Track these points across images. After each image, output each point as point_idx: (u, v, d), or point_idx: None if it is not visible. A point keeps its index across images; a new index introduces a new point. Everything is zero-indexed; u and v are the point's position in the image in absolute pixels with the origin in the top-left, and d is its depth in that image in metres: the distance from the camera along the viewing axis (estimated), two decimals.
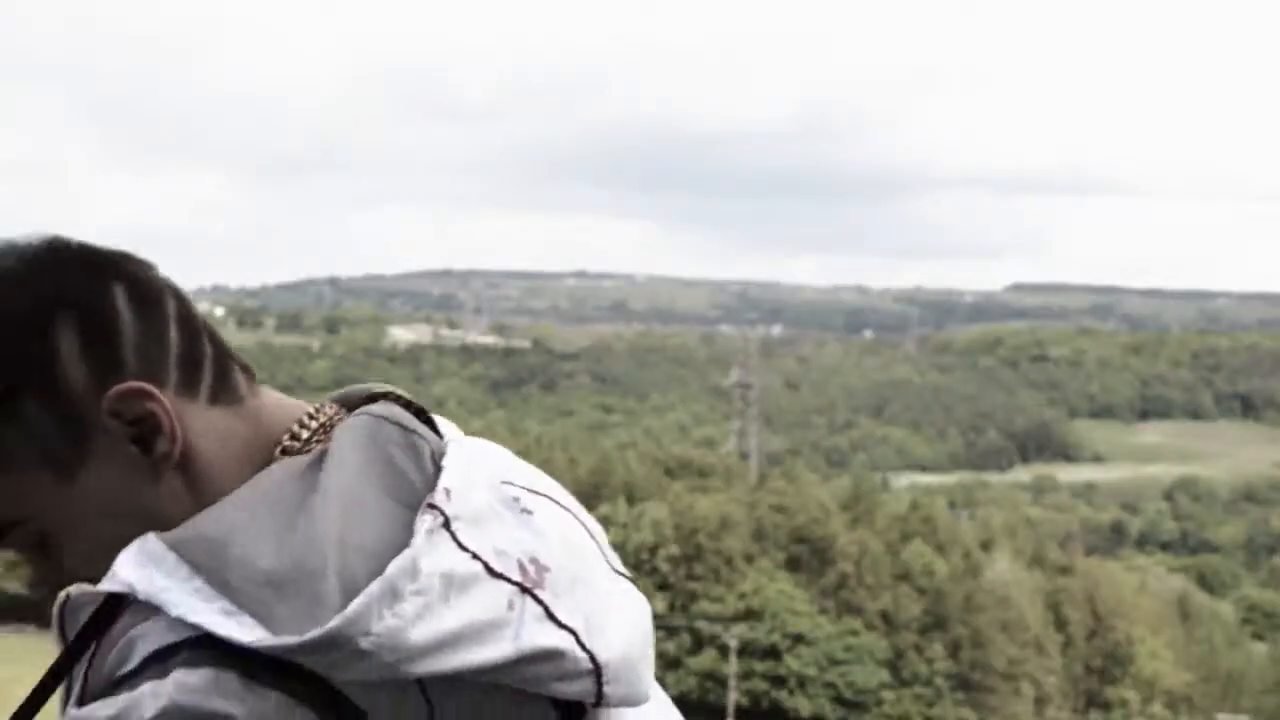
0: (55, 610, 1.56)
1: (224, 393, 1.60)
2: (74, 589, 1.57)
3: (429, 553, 1.44)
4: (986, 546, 74.83)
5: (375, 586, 1.40)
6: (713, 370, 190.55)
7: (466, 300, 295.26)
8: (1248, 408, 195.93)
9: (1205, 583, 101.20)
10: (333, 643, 1.38)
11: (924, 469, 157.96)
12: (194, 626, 1.40)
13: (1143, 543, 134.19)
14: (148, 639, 1.42)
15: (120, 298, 1.55)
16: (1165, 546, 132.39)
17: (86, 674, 1.47)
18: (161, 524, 1.51)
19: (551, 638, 1.48)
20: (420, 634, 1.41)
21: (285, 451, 1.59)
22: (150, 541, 1.48)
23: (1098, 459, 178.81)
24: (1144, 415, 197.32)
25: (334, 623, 1.38)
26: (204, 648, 1.39)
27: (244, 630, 1.39)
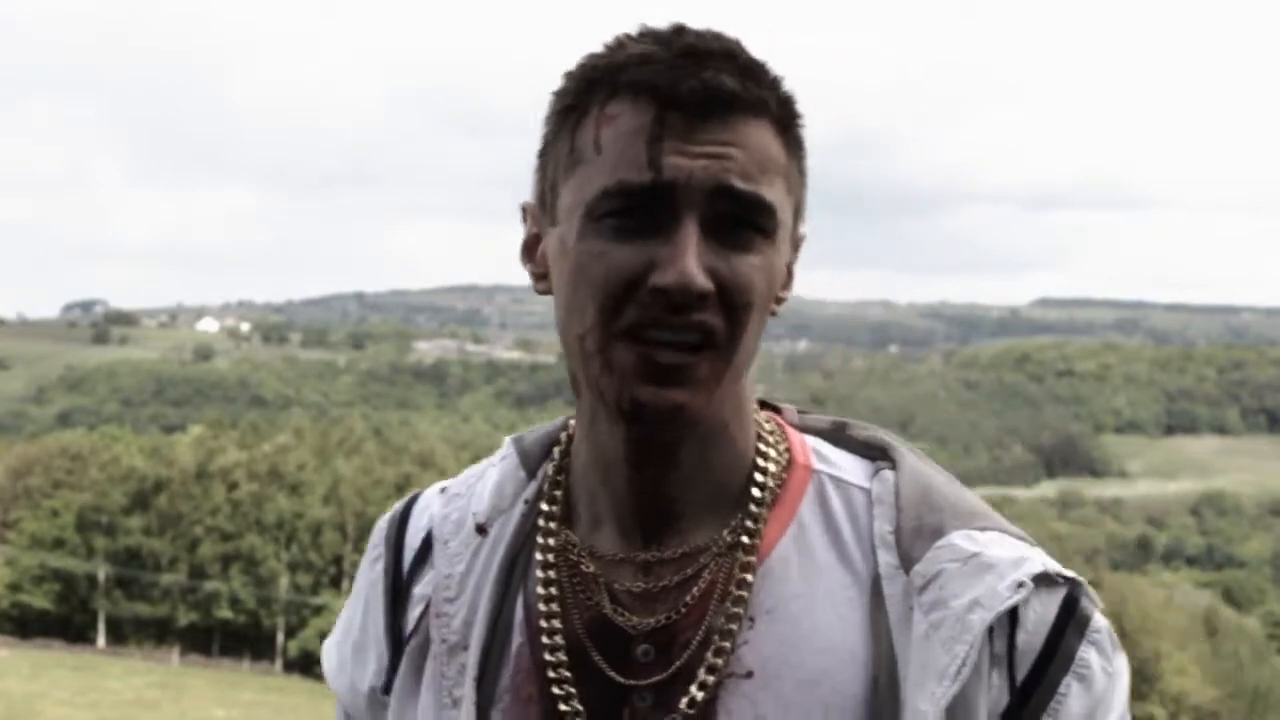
0: (983, 636, 1.58)
1: None
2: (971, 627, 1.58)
3: None
4: None
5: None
6: None
7: (492, 315, 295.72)
8: (1274, 422, 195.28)
9: (1232, 598, 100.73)
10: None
11: None
12: (1055, 579, 1.63)
13: (1169, 558, 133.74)
14: (1043, 614, 1.62)
15: None
16: (1192, 562, 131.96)
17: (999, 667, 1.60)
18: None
19: None
20: None
21: None
22: (1002, 535, 1.65)
23: (1124, 474, 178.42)
24: (1170, 430, 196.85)
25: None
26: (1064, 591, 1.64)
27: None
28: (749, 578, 1.64)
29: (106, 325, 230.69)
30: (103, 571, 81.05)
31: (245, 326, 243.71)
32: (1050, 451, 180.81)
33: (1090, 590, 1.65)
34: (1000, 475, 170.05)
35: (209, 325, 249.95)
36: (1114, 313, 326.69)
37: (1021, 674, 1.59)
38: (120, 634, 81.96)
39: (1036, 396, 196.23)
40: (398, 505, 1.89)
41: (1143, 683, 70.01)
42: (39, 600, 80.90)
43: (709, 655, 1.62)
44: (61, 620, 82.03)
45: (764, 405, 1.80)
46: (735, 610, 1.64)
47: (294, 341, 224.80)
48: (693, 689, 1.61)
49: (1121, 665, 1.64)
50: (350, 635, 1.89)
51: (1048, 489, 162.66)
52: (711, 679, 1.62)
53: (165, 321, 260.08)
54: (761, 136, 1.59)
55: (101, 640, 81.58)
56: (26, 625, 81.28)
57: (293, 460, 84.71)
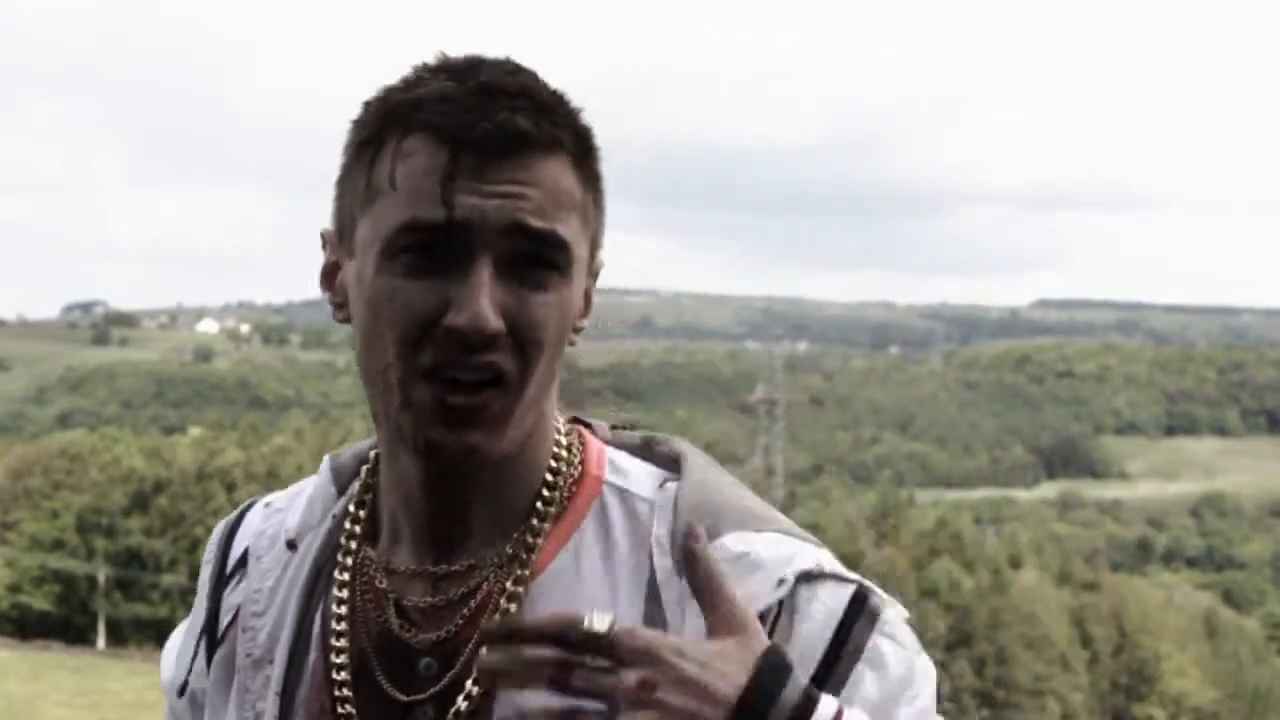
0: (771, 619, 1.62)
1: None
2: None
3: None
4: (1013, 563, 74.79)
5: None
6: (738, 386, 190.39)
7: None
8: (1274, 423, 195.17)
9: (1231, 599, 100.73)
10: None
11: (950, 485, 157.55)
12: (837, 577, 1.65)
13: (1169, 559, 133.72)
14: (832, 607, 1.63)
15: None
16: (1191, 563, 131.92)
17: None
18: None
19: None
20: None
21: None
22: (780, 536, 1.69)
23: (1124, 475, 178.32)
24: (1170, 431, 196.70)
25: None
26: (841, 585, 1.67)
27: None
28: (520, 590, 1.67)
29: (106, 326, 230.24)
30: (103, 573, 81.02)
31: (245, 327, 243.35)
32: (1050, 452, 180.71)
33: (880, 591, 1.66)
34: (1000, 476, 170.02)
35: (209, 326, 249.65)
36: (1114, 314, 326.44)
37: (811, 666, 1.59)
38: (120, 635, 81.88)
39: (1036, 397, 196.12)
40: (234, 512, 1.92)
41: (1143, 683, 70.01)
42: (39, 602, 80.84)
43: None
44: (61, 622, 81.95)
45: (577, 421, 1.83)
46: None
47: (294, 342, 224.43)
48: (459, 699, 1.64)
49: (925, 661, 1.65)
50: (182, 633, 1.94)
51: (1048, 490, 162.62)
52: (476, 690, 1.64)
53: (165, 322, 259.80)
54: (556, 173, 1.61)
55: (102, 642, 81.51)
56: (26, 627, 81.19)
57: (292, 461, 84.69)
